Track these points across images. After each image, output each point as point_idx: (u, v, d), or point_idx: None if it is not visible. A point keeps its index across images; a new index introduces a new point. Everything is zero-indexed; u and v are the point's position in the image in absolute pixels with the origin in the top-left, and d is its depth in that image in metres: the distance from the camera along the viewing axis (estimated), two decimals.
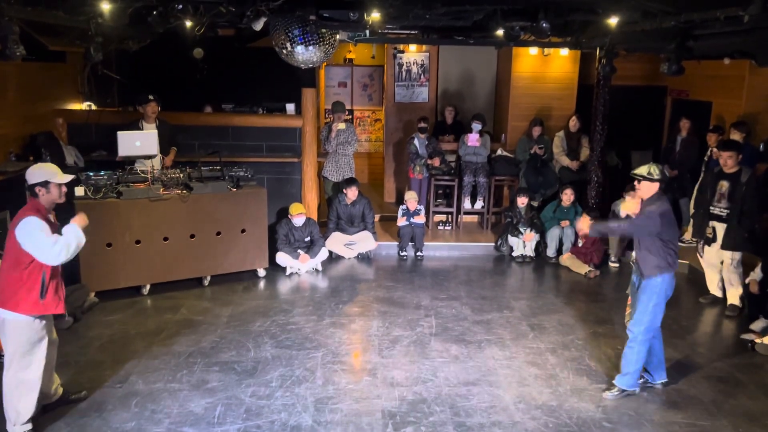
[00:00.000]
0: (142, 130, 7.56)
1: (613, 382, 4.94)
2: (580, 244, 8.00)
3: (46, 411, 4.44)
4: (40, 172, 4.15)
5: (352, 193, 8.17)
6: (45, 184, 4.12)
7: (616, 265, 8.13)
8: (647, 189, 4.76)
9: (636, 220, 4.82)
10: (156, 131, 7.38)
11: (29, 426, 4.20)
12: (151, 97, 7.74)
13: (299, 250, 7.63)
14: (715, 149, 7.23)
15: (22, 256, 4.04)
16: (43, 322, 4.20)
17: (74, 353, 5.41)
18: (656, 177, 4.70)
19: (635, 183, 4.84)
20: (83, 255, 6.36)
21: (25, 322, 4.10)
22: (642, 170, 4.75)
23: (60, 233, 4.19)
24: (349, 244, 8.27)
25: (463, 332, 5.99)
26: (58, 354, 5.30)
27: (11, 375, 4.13)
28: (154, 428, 4.35)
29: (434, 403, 4.72)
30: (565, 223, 8.25)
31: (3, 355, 5.11)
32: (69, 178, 4.26)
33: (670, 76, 6.75)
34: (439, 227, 9.34)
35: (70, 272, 6.46)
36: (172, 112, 8.25)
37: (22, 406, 4.15)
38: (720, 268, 6.69)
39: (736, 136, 7.74)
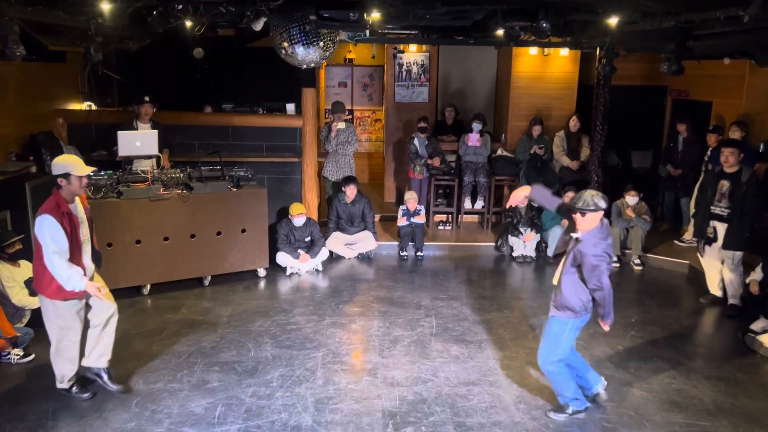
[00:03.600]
0: (137, 129, 7.56)
1: (550, 413, 4.57)
2: None
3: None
4: (63, 164, 4.36)
5: (351, 192, 8.16)
6: (66, 176, 4.34)
7: (617, 265, 8.12)
8: (591, 221, 4.20)
9: (594, 260, 4.20)
10: (156, 131, 7.38)
11: (72, 383, 4.72)
12: (147, 98, 7.74)
13: (299, 250, 7.63)
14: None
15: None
16: (71, 305, 4.50)
17: None
18: (601, 206, 4.18)
19: (574, 216, 4.25)
20: None
21: (53, 305, 4.48)
22: (581, 201, 4.18)
23: (91, 224, 4.62)
24: (350, 244, 8.27)
25: (463, 332, 5.99)
26: None
27: (53, 348, 4.64)
28: (155, 428, 4.35)
29: (434, 403, 4.72)
30: (566, 222, 8.24)
31: (4, 356, 5.16)
32: (90, 170, 4.46)
33: (670, 75, 6.76)
34: (440, 227, 9.34)
35: None
36: (172, 112, 8.26)
37: (66, 370, 4.68)
38: (720, 268, 6.68)
39: (735, 134, 7.75)
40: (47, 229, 4.27)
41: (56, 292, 4.42)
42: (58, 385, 4.72)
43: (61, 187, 4.38)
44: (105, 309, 4.71)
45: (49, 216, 4.27)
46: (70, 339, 4.61)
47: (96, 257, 4.78)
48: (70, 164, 4.37)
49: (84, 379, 4.79)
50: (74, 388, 4.72)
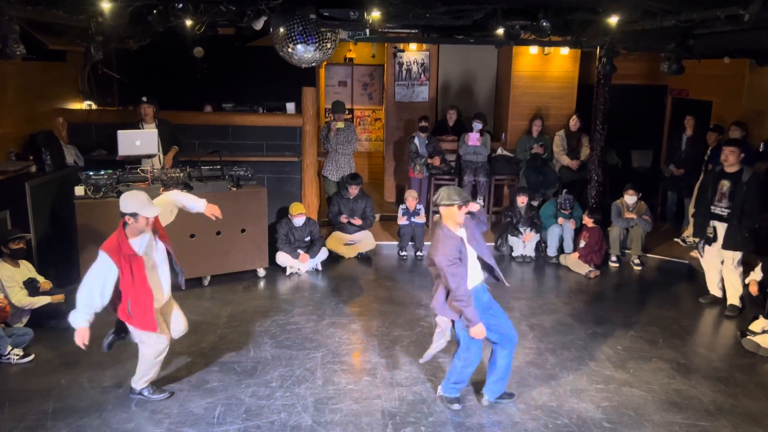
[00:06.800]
0: (142, 130, 7.56)
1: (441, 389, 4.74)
2: (582, 244, 7.98)
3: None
4: (132, 202, 4.28)
5: (353, 189, 8.19)
6: (134, 215, 4.28)
7: (617, 265, 8.12)
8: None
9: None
10: (156, 131, 7.38)
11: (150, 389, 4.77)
12: (144, 98, 7.74)
13: (299, 250, 7.62)
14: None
15: None
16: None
17: (74, 353, 5.36)
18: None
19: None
20: (83, 255, 6.38)
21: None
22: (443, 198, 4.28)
23: (170, 255, 4.66)
24: (349, 244, 8.27)
25: None
26: (59, 354, 5.35)
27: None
28: (154, 428, 4.35)
29: (434, 403, 4.72)
30: (562, 220, 8.24)
31: (4, 356, 5.16)
32: (158, 211, 4.37)
33: (671, 75, 6.75)
34: None
35: (70, 272, 6.49)
36: (172, 112, 8.25)
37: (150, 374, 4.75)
38: (720, 268, 6.68)
39: (735, 134, 7.75)
40: (97, 265, 4.29)
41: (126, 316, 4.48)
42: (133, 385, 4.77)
43: (127, 224, 4.33)
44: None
45: (106, 255, 4.29)
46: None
47: (176, 277, 4.76)
48: (139, 204, 4.28)
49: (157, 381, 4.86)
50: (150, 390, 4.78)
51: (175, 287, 4.76)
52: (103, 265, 4.29)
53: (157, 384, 4.84)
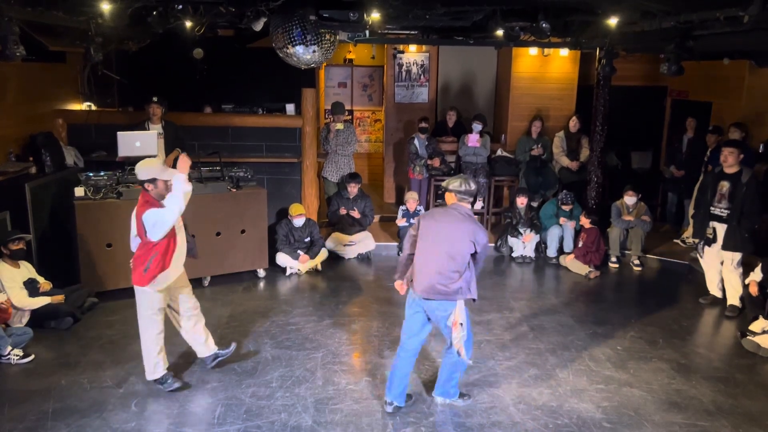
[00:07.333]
0: (148, 130, 7.57)
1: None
2: (580, 244, 7.99)
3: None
4: (150, 169, 4.55)
5: (352, 188, 8.20)
6: (153, 180, 4.53)
7: (616, 265, 8.13)
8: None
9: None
10: (155, 132, 7.38)
11: (162, 372, 4.85)
12: (154, 99, 7.74)
13: (299, 251, 7.62)
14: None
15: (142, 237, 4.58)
16: (155, 292, 4.68)
17: (74, 353, 5.41)
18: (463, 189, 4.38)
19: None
20: (83, 256, 6.39)
21: (141, 291, 4.69)
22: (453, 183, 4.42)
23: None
24: (349, 245, 8.27)
25: None
26: (59, 354, 5.35)
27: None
28: (154, 429, 4.35)
29: (434, 404, 4.72)
30: (564, 220, 8.24)
31: (4, 356, 5.16)
32: (172, 174, 4.56)
33: (670, 76, 6.75)
34: None
35: (70, 272, 6.49)
36: (172, 113, 8.24)
37: (153, 358, 4.81)
38: (720, 269, 6.69)
39: (735, 135, 7.75)
40: (154, 215, 4.44)
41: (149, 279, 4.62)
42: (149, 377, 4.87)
43: (148, 191, 4.54)
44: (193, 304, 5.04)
45: (152, 209, 4.46)
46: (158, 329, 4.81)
47: (189, 246, 4.96)
48: (156, 170, 4.53)
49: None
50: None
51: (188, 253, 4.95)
52: (157, 212, 4.45)
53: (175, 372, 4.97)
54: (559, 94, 9.87)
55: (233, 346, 5.27)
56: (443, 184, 4.54)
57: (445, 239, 4.33)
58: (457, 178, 4.45)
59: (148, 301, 4.71)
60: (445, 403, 4.71)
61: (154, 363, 4.80)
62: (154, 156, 7.35)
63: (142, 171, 4.55)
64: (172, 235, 4.63)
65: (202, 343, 5.14)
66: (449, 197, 4.47)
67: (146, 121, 7.76)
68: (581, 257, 7.89)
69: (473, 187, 4.43)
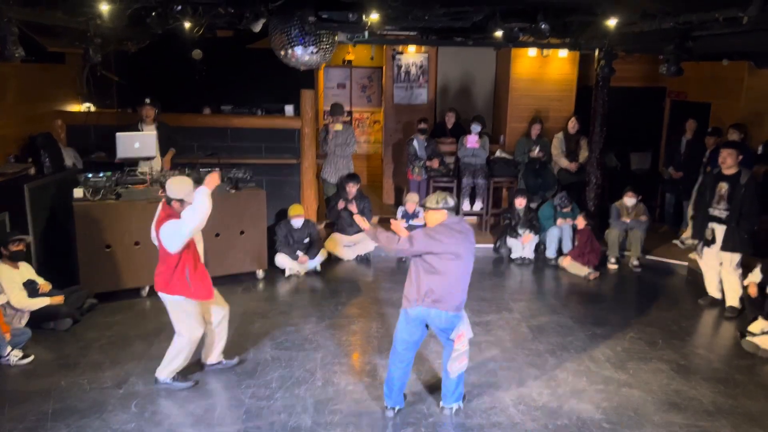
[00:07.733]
0: (141, 131, 7.57)
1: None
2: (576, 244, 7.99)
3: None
4: (182, 189, 4.58)
5: (351, 188, 8.21)
6: (181, 201, 4.59)
7: (616, 266, 8.13)
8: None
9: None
10: (154, 133, 7.38)
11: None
12: (147, 100, 7.74)
13: (298, 252, 7.62)
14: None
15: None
16: (189, 301, 4.78)
17: (74, 354, 5.40)
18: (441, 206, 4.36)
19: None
20: (82, 257, 6.38)
21: (175, 301, 4.76)
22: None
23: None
24: (348, 246, 8.27)
25: None
26: (58, 355, 5.34)
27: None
28: (154, 429, 4.34)
29: (434, 404, 4.72)
30: (561, 221, 8.24)
31: (4, 356, 5.15)
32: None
33: (669, 77, 6.76)
34: None
35: (69, 274, 6.48)
36: (170, 114, 8.26)
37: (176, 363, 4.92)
38: (719, 270, 6.69)
39: (734, 136, 7.76)
40: (174, 225, 4.49)
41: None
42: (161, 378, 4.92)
43: (171, 207, 4.60)
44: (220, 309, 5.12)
45: (170, 220, 4.53)
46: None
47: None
48: (186, 192, 4.57)
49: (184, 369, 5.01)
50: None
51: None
52: (176, 223, 4.52)
53: (182, 372, 4.96)
54: (558, 95, 9.86)
55: (236, 359, 5.29)
56: (428, 204, 4.44)
57: (471, 254, 4.45)
58: (437, 195, 4.42)
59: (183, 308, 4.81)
60: (455, 408, 4.64)
61: (176, 367, 4.92)
62: (153, 157, 7.38)
63: (173, 189, 4.59)
64: (194, 250, 4.76)
65: (218, 348, 5.20)
66: (440, 215, 4.39)
67: (139, 122, 7.77)
68: (578, 258, 7.89)
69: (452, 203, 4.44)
